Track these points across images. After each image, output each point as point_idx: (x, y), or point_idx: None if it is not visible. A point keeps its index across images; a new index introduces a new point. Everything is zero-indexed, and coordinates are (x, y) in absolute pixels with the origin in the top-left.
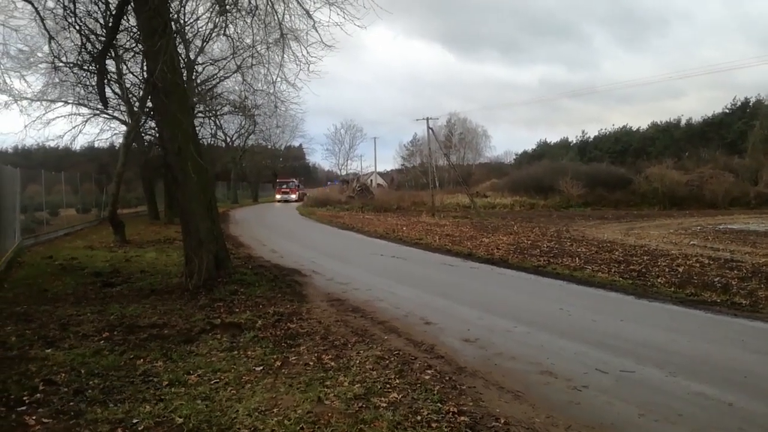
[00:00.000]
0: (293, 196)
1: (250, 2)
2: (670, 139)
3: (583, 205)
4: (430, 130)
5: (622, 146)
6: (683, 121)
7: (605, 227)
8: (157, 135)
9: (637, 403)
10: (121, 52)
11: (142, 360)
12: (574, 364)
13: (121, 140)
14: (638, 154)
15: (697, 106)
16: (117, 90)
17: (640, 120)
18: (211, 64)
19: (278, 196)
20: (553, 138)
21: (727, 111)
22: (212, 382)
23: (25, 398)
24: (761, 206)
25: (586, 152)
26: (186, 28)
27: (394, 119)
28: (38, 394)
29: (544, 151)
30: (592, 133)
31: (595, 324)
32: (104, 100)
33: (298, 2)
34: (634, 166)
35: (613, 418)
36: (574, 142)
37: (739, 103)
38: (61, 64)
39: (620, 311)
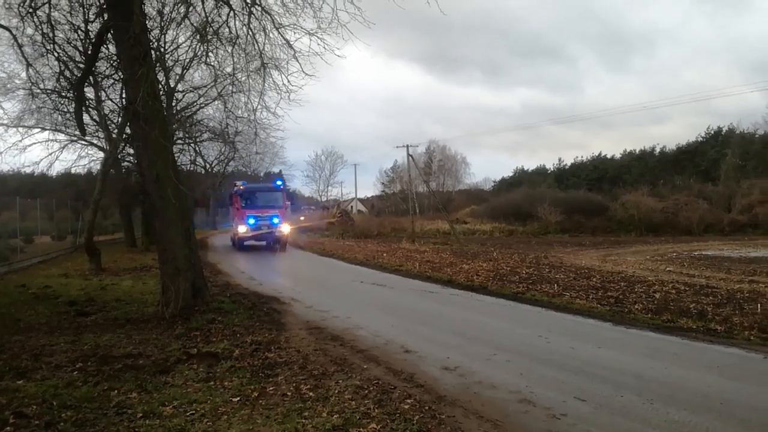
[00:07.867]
0: (284, 229)
1: (230, 32)
2: (646, 167)
3: (561, 231)
4: (410, 157)
5: (599, 174)
6: (657, 150)
7: (583, 253)
8: (136, 162)
9: (615, 431)
10: (100, 79)
11: (116, 391)
12: (552, 391)
13: (98, 167)
14: (615, 182)
15: (679, 131)
16: (95, 116)
17: (623, 145)
18: (191, 91)
19: (241, 229)
20: (531, 164)
21: (701, 139)
22: (188, 413)
23: None
24: (735, 233)
25: (564, 179)
26: (166, 56)
27: (374, 145)
28: (8, 428)
29: (521, 178)
30: (568, 160)
31: (573, 351)
32: (82, 128)
33: (279, 32)
34: (610, 193)
35: None
36: (552, 169)
37: (712, 132)
38: (38, 90)
39: (598, 338)
